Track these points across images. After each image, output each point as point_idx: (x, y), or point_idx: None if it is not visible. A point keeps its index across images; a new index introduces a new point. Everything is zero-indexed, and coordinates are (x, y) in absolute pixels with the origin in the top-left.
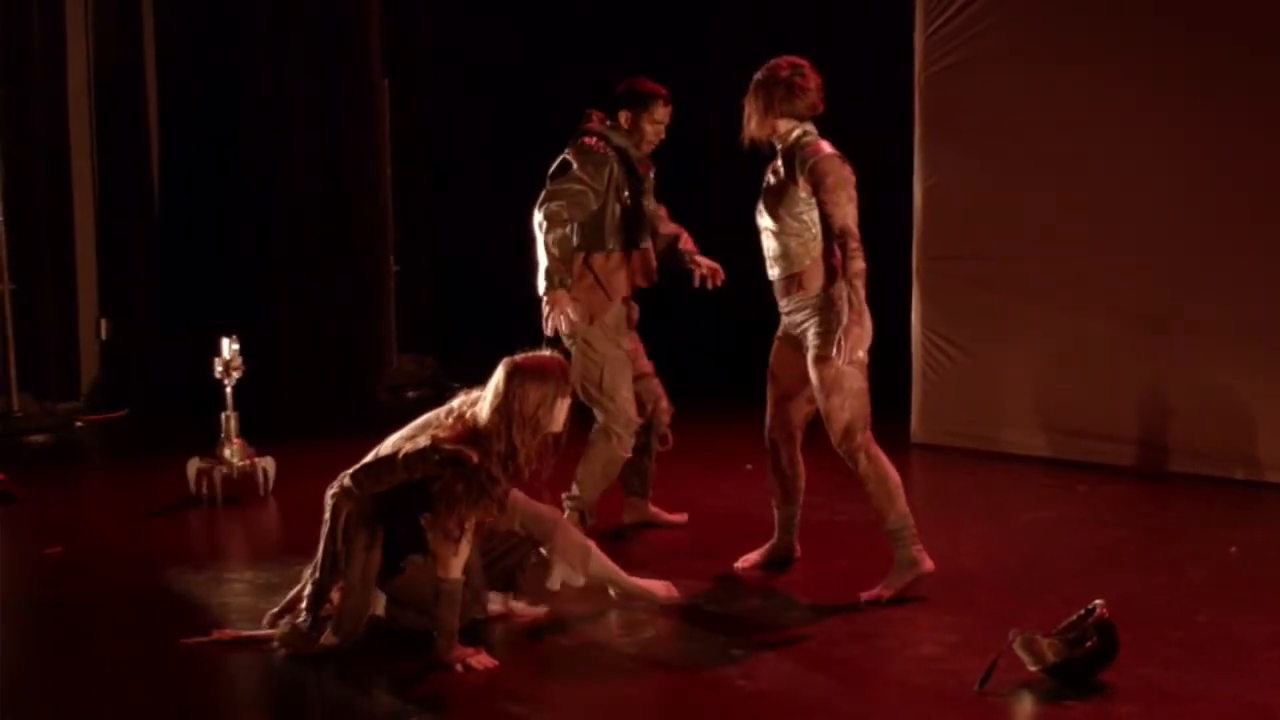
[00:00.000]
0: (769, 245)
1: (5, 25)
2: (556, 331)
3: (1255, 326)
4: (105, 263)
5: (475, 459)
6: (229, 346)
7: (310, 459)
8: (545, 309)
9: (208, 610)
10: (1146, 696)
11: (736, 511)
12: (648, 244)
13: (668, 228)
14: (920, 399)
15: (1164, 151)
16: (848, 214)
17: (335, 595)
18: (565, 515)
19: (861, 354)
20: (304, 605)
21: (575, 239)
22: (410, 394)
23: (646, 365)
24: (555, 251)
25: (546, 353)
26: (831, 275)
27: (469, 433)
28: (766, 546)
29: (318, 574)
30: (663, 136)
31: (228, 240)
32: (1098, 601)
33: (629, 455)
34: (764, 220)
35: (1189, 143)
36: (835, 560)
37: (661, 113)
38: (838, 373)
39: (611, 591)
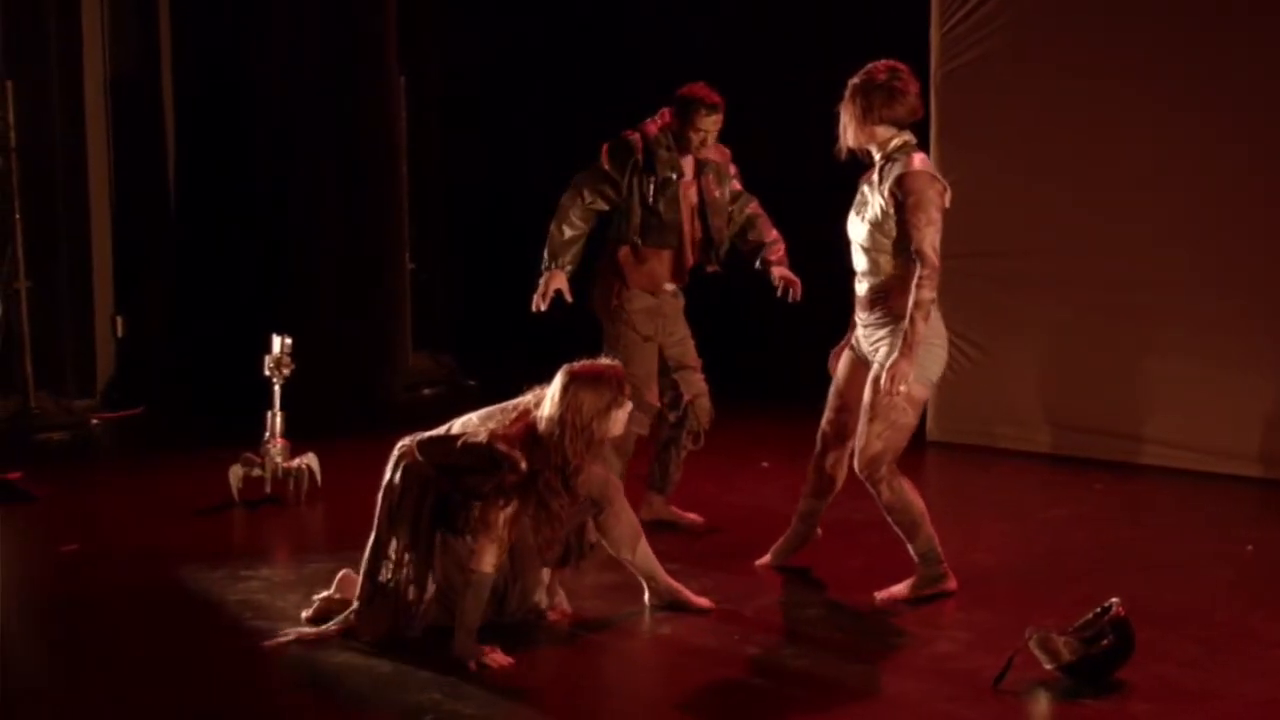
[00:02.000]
0: (858, 259)
1: (22, 26)
2: (538, 309)
3: (1275, 324)
4: (121, 261)
5: (524, 467)
6: (280, 343)
7: (327, 457)
8: (540, 286)
9: (223, 608)
10: (1163, 695)
11: (753, 509)
12: (677, 245)
13: (758, 234)
14: (936, 396)
15: (1181, 149)
16: (924, 237)
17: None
18: None
19: (919, 390)
20: (363, 573)
21: (611, 229)
22: (426, 392)
23: (692, 359)
24: (558, 233)
25: (605, 360)
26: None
27: (528, 433)
28: (781, 541)
29: (374, 533)
30: (708, 143)
31: (243, 238)
32: (1114, 599)
33: (644, 433)
34: (854, 232)
35: (1207, 140)
36: (851, 558)
37: (704, 121)
38: (890, 402)
39: (646, 588)
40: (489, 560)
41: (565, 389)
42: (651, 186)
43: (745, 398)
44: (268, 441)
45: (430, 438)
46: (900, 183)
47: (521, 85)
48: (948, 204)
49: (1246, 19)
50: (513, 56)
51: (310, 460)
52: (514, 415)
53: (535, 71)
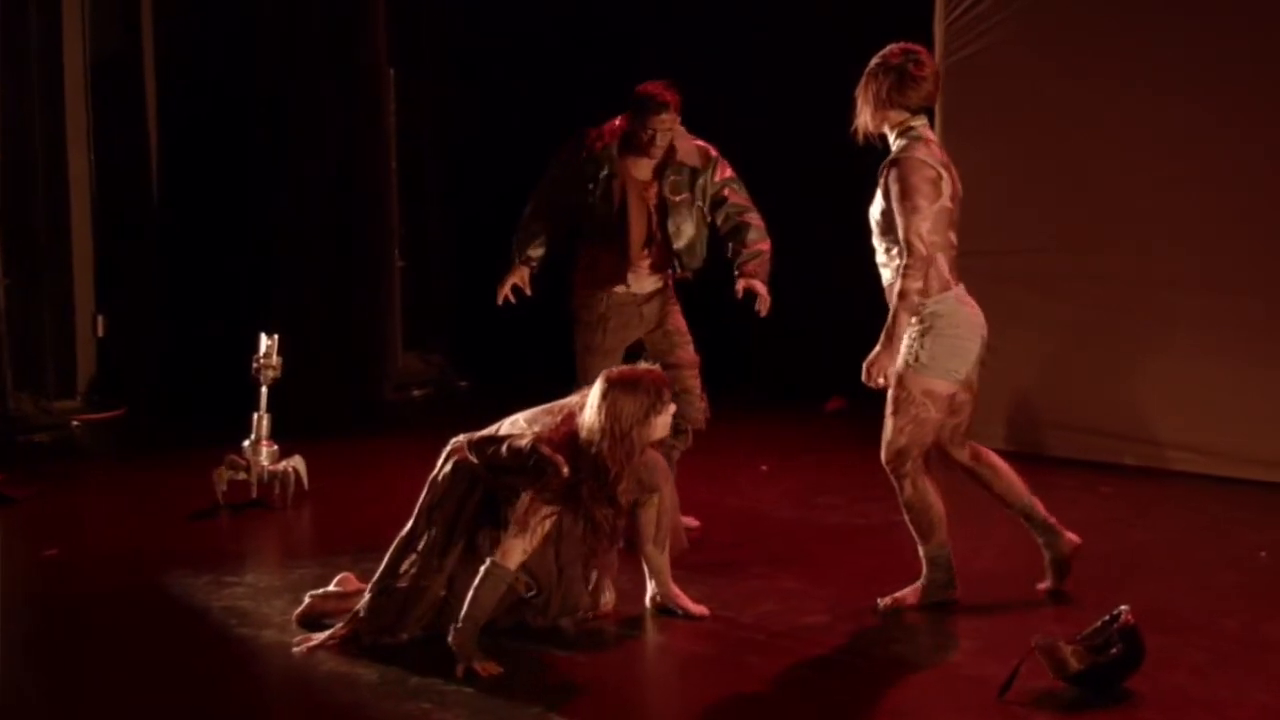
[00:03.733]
0: (876, 248)
1: (2, 21)
2: (505, 301)
3: (1272, 321)
4: (102, 258)
5: (565, 473)
6: (265, 343)
7: (314, 459)
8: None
9: (208, 614)
10: (1173, 704)
11: (752, 513)
12: (621, 244)
13: (740, 242)
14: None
15: (1188, 145)
16: (909, 225)
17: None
18: None
19: (940, 385)
20: (385, 562)
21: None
22: (416, 392)
23: (679, 356)
24: (520, 228)
25: (644, 365)
26: (926, 287)
27: (572, 438)
28: (1048, 561)
29: (410, 523)
30: (658, 142)
31: (229, 235)
32: (1122, 607)
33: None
34: (871, 220)
35: (1215, 136)
36: (854, 563)
37: (653, 120)
38: (910, 396)
39: (650, 587)
40: (515, 558)
41: (604, 396)
42: (592, 184)
43: (743, 400)
44: (253, 444)
45: (481, 437)
46: (889, 169)
47: (515, 82)
48: (949, 192)
49: (1253, 11)
50: (506, 53)
51: (297, 463)
52: (559, 418)
53: (529, 68)
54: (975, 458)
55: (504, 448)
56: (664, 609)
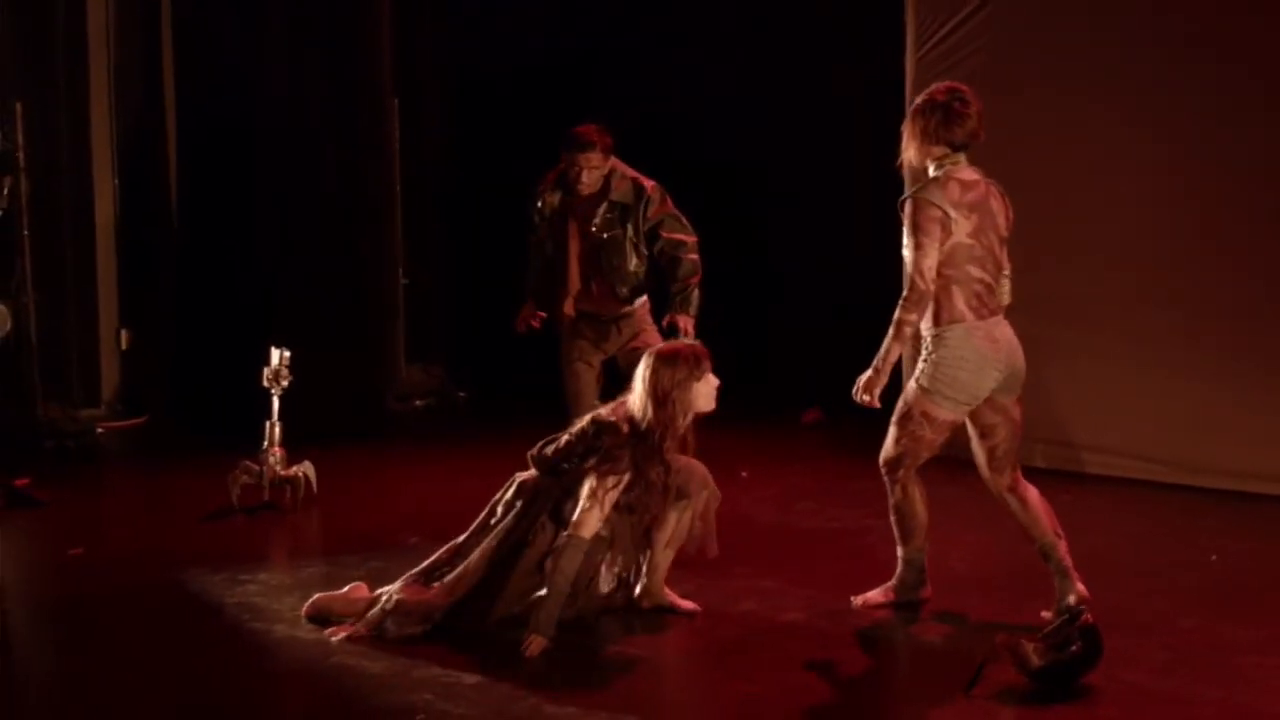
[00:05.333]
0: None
1: (28, 43)
2: (523, 331)
3: (1233, 339)
4: (125, 277)
5: (625, 429)
6: (278, 355)
7: (323, 465)
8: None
9: (223, 610)
10: (1131, 700)
11: (732, 518)
12: (563, 277)
13: (672, 277)
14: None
15: (1147, 173)
16: (911, 260)
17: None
18: None
19: (939, 411)
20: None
21: None
22: (418, 403)
23: None
24: (526, 266)
25: (685, 340)
26: (936, 316)
27: (626, 415)
28: (1058, 597)
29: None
30: (585, 180)
31: (242, 256)
32: (1082, 607)
33: None
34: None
35: (1174, 164)
36: (830, 564)
37: (576, 158)
38: (911, 414)
39: (642, 585)
40: (588, 527)
41: (647, 368)
42: (540, 221)
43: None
44: (266, 450)
45: (541, 446)
46: (901, 206)
47: (513, 110)
48: (968, 229)
49: (1221, 45)
50: (505, 82)
51: (307, 468)
52: (613, 406)
53: (527, 97)
54: (1011, 490)
55: (564, 437)
56: (655, 605)
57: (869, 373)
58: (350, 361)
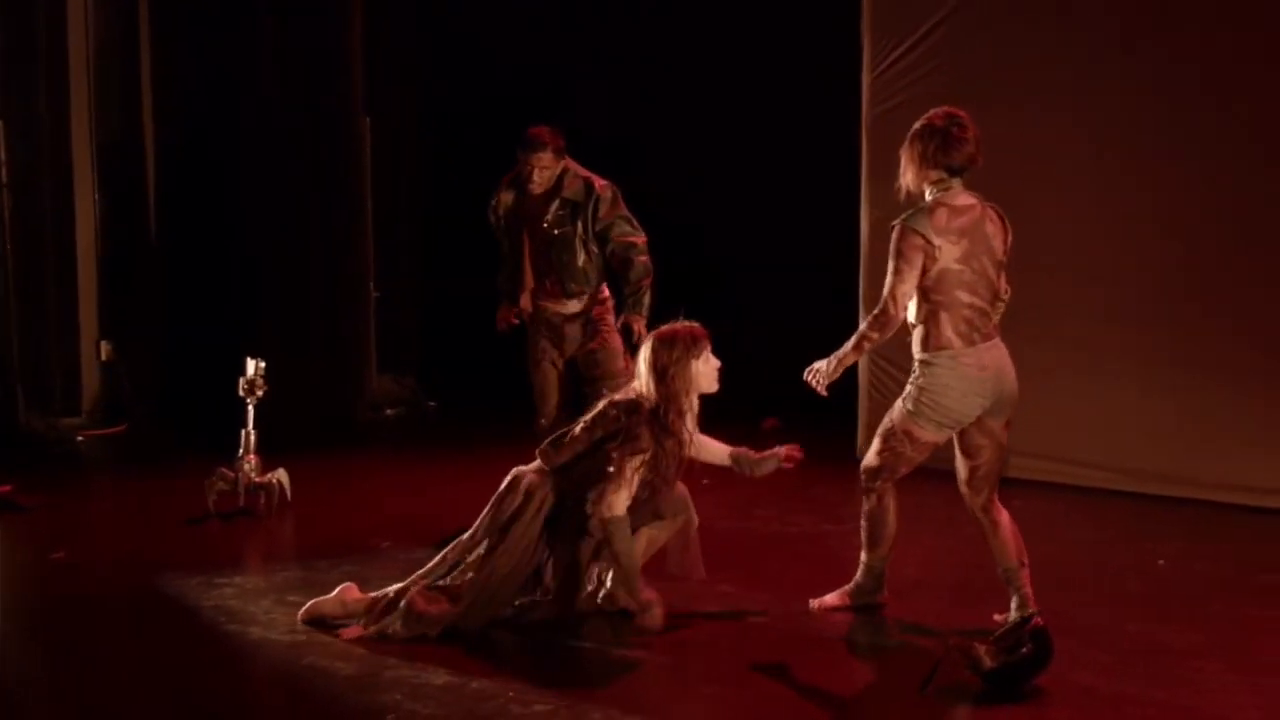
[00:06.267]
0: None
1: (9, 62)
2: (505, 330)
3: (1176, 353)
4: (105, 290)
5: (647, 406)
6: (254, 366)
7: (298, 471)
8: None
9: (199, 612)
10: (1079, 700)
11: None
12: (518, 274)
13: (624, 278)
14: (866, 418)
15: (1099, 188)
16: (887, 284)
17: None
18: None
19: (921, 432)
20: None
21: None
22: (389, 412)
23: (603, 370)
24: (500, 267)
25: (684, 322)
26: (924, 341)
27: (637, 395)
28: (1013, 609)
29: (467, 538)
30: (536, 179)
31: (218, 271)
32: (1033, 610)
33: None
34: None
35: (1127, 180)
36: (787, 568)
37: (527, 157)
38: (894, 431)
39: (605, 589)
40: (620, 504)
41: (647, 348)
42: (499, 220)
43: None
44: (241, 458)
45: (551, 440)
46: (891, 231)
47: (479, 128)
48: (955, 255)
49: (1166, 64)
50: (471, 102)
51: (280, 475)
52: (623, 390)
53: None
54: (985, 510)
55: (579, 426)
56: (620, 609)
57: (825, 363)
58: (323, 372)
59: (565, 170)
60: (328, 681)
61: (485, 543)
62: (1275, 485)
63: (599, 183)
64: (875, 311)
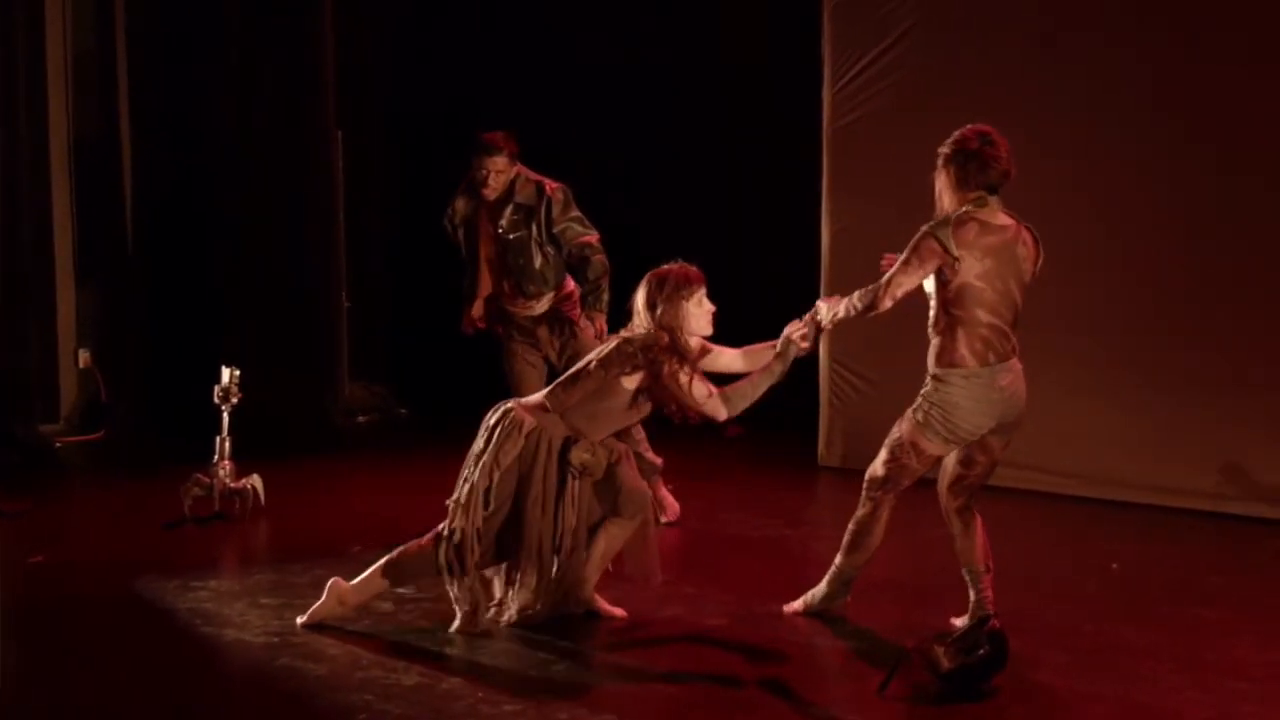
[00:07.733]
0: None
1: None
2: (470, 333)
3: (1127, 355)
4: (83, 300)
5: (666, 339)
6: (228, 373)
7: (272, 477)
8: None
9: (175, 615)
10: (1036, 699)
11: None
12: (476, 278)
13: (583, 279)
14: (827, 424)
15: (1063, 202)
16: (891, 271)
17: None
18: None
19: (928, 445)
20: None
21: None
22: (362, 419)
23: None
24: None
25: (679, 263)
26: (939, 356)
27: (648, 330)
28: (971, 608)
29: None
30: (490, 183)
31: (195, 280)
32: (990, 612)
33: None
34: None
35: (1090, 192)
36: (750, 571)
37: (480, 161)
38: (903, 442)
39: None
40: (702, 390)
41: (640, 287)
42: (455, 225)
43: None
44: (216, 463)
45: (561, 381)
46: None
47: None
48: (976, 270)
49: (1126, 75)
50: (441, 116)
51: (255, 481)
52: (625, 331)
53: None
54: (959, 512)
55: (592, 363)
56: (584, 610)
57: (832, 308)
58: (297, 379)
59: (518, 175)
60: (300, 682)
61: (506, 507)
62: (1224, 491)
63: (550, 185)
64: (869, 289)
